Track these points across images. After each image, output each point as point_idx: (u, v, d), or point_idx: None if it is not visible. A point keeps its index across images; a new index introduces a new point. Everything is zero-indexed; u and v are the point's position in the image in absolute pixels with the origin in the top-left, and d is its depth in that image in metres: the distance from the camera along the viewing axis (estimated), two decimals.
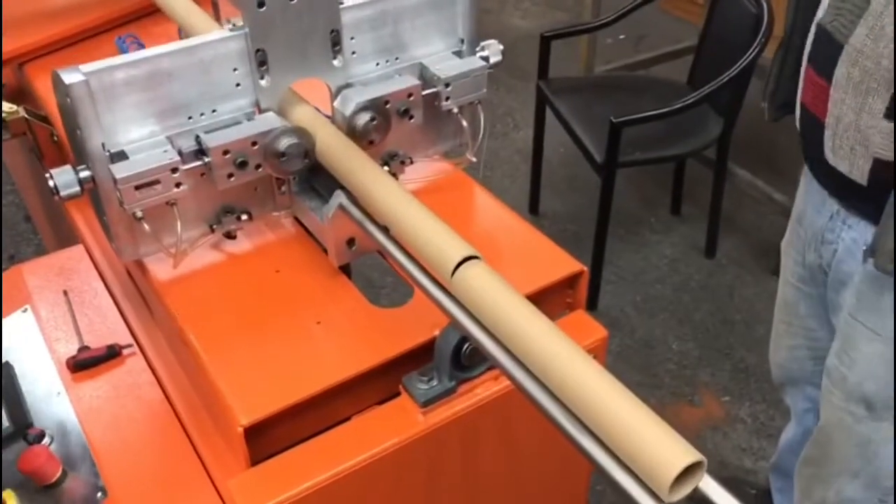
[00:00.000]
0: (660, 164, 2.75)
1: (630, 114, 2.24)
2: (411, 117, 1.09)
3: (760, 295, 2.56)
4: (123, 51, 1.45)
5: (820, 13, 1.21)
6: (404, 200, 0.89)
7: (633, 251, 2.78)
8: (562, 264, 1.06)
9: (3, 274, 1.21)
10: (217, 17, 1.46)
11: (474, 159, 1.20)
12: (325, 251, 1.05)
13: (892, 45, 1.07)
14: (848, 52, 1.13)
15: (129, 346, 1.07)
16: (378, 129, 1.05)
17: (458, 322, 0.80)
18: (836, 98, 1.16)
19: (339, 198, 0.98)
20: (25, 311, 1.12)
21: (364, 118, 1.04)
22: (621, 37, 3.95)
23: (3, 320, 1.11)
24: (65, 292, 1.14)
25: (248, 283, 1.04)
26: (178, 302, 1.00)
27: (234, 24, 1.20)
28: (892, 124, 1.10)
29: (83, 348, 1.06)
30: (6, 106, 1.32)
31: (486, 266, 0.80)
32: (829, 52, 1.16)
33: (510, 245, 1.12)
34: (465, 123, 1.16)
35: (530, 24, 4.16)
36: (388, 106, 1.06)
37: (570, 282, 1.07)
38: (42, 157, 1.43)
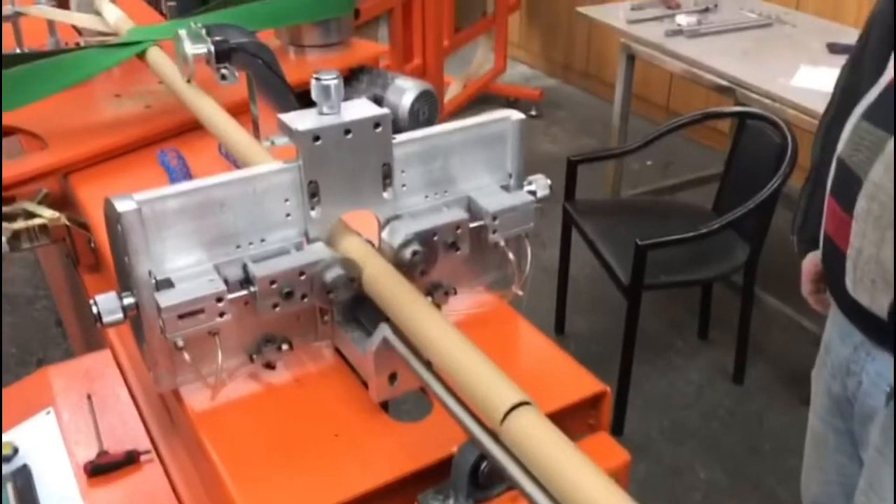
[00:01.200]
0: (686, 287, 2.75)
1: (656, 237, 2.26)
2: (458, 249, 1.09)
3: (791, 424, 2.50)
4: (164, 164, 1.51)
5: (840, 146, 1.23)
6: (452, 337, 0.87)
7: (660, 375, 2.74)
8: (584, 384, 1.05)
9: (30, 377, 1.23)
10: (257, 135, 1.53)
11: (521, 293, 1.17)
12: (366, 385, 1.02)
13: None
14: (867, 188, 1.14)
15: (148, 452, 1.06)
16: (425, 260, 1.04)
17: (508, 474, 0.77)
18: (857, 230, 1.17)
19: (383, 331, 0.95)
20: (49, 413, 1.13)
21: (411, 249, 1.03)
22: (648, 163, 4.03)
23: (26, 422, 1.12)
24: (88, 396, 1.15)
25: (282, 412, 1.01)
26: (213, 433, 0.98)
27: (273, 142, 1.24)
28: None
29: (102, 453, 1.05)
30: (49, 212, 1.37)
31: (539, 414, 0.77)
32: (849, 185, 1.18)
33: (532, 362, 1.11)
34: (511, 256, 1.14)
35: (559, 149, 4.27)
36: (435, 238, 1.06)
37: (593, 402, 1.06)
38: (78, 262, 1.47)
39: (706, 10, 3.27)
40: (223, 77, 1.43)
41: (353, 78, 1.83)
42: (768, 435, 2.50)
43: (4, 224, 1.33)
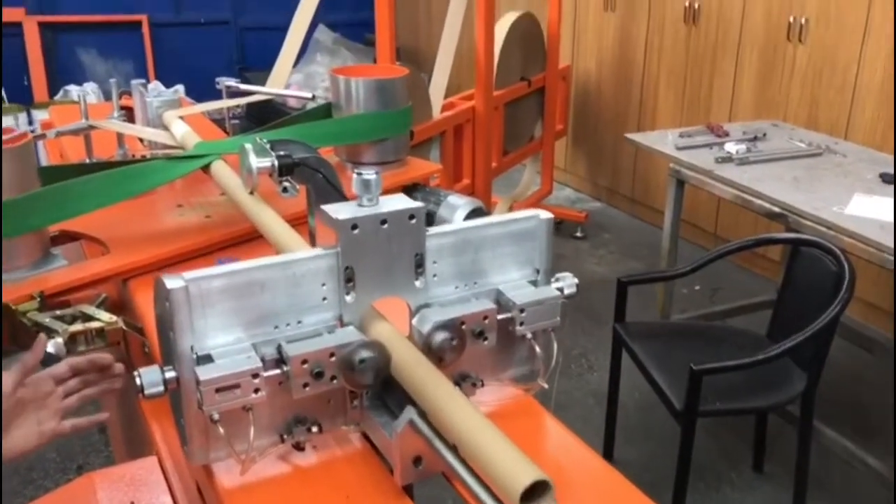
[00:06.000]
0: (740, 415, 2.65)
1: (709, 362, 2.20)
2: (485, 339, 1.14)
3: None
4: None
5: None
6: (476, 419, 0.89)
7: None
8: None
9: (75, 482, 1.21)
10: (313, 244, 1.55)
11: (545, 385, 1.22)
12: (391, 471, 1.03)
13: None
14: None
15: None
16: (454, 348, 1.09)
17: None
18: None
19: (409, 413, 0.99)
20: None
21: (440, 336, 1.08)
22: (696, 287, 3.99)
23: None
24: None
25: (308, 494, 1.03)
26: None
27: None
28: None
29: None
30: (107, 316, 1.38)
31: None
32: None
33: (584, 482, 1.07)
34: (538, 349, 1.19)
35: (605, 270, 4.25)
36: (463, 326, 1.11)
37: None
38: (131, 367, 1.47)
39: (755, 138, 3.30)
40: (285, 189, 1.46)
41: (407, 194, 1.87)
42: None
43: (62, 326, 1.34)
